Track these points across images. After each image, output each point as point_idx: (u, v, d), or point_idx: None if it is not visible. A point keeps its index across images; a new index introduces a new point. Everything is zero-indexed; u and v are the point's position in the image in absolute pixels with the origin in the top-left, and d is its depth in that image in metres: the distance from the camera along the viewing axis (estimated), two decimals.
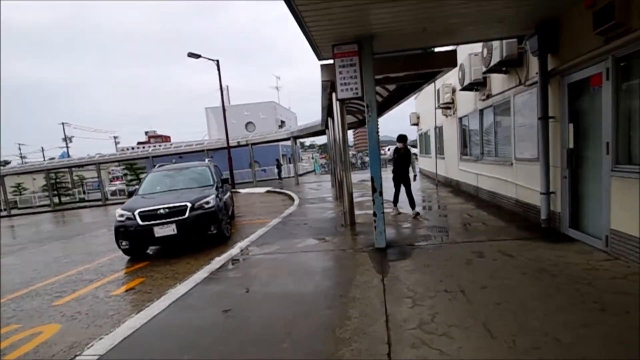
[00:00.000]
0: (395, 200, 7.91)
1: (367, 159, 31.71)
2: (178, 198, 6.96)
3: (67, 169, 29.48)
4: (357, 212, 7.79)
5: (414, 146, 42.43)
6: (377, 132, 5.27)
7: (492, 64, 6.15)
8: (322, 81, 6.78)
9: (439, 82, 10.30)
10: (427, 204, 9.32)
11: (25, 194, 32.34)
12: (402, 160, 7.64)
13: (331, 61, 5.38)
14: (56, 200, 29.11)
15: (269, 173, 33.05)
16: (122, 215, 6.69)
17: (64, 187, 31.89)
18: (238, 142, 24.93)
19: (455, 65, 6.17)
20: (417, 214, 7.42)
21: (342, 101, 7.16)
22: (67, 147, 50.93)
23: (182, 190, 7.66)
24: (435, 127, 13.42)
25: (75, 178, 33.78)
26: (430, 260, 4.64)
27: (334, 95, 7.20)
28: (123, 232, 6.54)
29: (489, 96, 7.61)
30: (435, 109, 12.16)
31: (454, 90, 10.38)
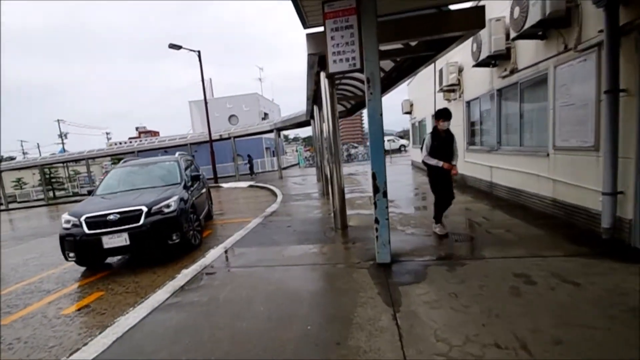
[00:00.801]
0: (441, 212, 5.23)
1: (353, 150, 30.61)
2: (135, 200, 5.76)
3: (61, 164, 30.98)
4: (347, 211, 6.62)
5: (402, 137, 41.39)
6: (381, 114, 3.90)
7: (527, 25, 4.91)
8: (308, 55, 5.34)
9: (441, 61, 9.00)
10: (430, 202, 8.02)
11: (25, 188, 33.74)
12: (445, 147, 5.17)
13: (320, 29, 4.02)
14: (51, 194, 30.44)
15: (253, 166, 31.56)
16: (67, 222, 5.52)
17: (58, 181, 33.26)
18: (220, 136, 23.60)
19: (482, 26, 4.75)
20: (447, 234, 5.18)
21: (331, 79, 5.77)
22: (63, 143, 49.89)
23: (143, 190, 6.42)
24: (434, 114, 12.10)
25: (72, 173, 36.15)
26: (456, 285, 3.47)
27: (322, 75, 5.79)
28: (69, 242, 5.39)
29: (513, 71, 6.41)
30: (435, 92, 10.84)
31: (460, 70, 9.12)
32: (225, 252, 5.26)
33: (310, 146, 55.97)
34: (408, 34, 4.89)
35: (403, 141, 40.34)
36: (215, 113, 33.04)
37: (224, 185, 20.17)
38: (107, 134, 54.97)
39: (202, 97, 22.67)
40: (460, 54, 8.88)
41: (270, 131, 20.80)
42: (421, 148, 5.38)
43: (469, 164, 9.14)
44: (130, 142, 29.57)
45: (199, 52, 21.55)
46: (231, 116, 33.86)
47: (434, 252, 4.42)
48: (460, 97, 9.36)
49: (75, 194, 31.60)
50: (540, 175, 5.88)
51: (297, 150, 39.40)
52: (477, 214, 6.32)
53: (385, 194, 4.00)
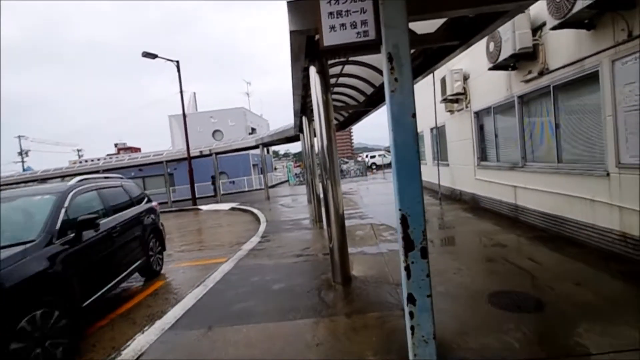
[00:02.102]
0: None
1: (344, 166, 29.05)
2: None
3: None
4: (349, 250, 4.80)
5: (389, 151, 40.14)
6: (413, 114, 2.23)
7: (576, 9, 3.75)
8: (291, 35, 3.65)
9: (442, 70, 7.57)
10: (444, 231, 6.44)
11: None
12: None
13: None
14: None
15: (239, 185, 29.71)
16: None
17: None
18: (201, 152, 21.67)
19: None
20: None
21: (324, 74, 4.15)
22: (23, 161, 45.69)
23: None
24: (434, 127, 10.72)
25: None
26: None
27: (312, 70, 4.21)
28: None
29: (542, 72, 5.14)
30: (436, 104, 9.45)
31: (465, 78, 7.72)
32: (159, 341, 3.38)
33: (301, 162, 54.53)
34: (446, 3, 3.28)
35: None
36: (198, 128, 31.29)
37: (203, 207, 18.24)
38: (79, 150, 50.34)
39: (186, 110, 21.00)
40: (466, 60, 7.56)
41: (256, 146, 19.09)
42: None
43: (481, 182, 7.58)
44: (98, 159, 27.04)
45: (177, 62, 20.02)
46: (215, 131, 32.02)
47: (504, 340, 2.66)
48: (467, 107, 7.89)
49: None
50: (595, 200, 4.41)
51: (286, 167, 37.74)
52: (518, 253, 4.69)
53: (424, 253, 2.30)
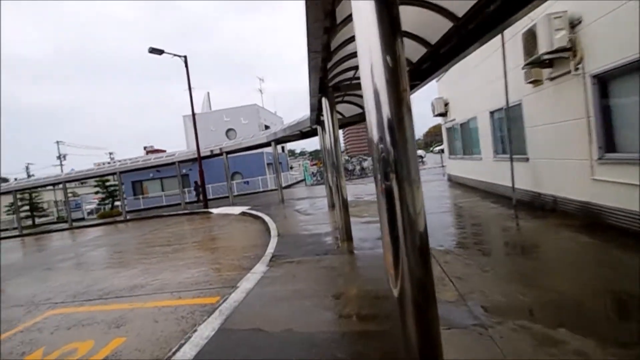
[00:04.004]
0: None
1: (365, 163, 26.60)
2: None
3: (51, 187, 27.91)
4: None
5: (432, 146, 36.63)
6: None
7: None
8: None
9: (523, 22, 5.25)
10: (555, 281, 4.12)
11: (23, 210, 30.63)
12: None
13: None
14: (30, 222, 28.18)
15: (253, 185, 27.93)
16: None
17: (38, 208, 29.97)
18: (211, 151, 20.06)
19: None
20: None
21: None
22: (62, 165, 47.60)
23: None
24: (500, 109, 8.28)
25: (70, 195, 31.35)
26: None
27: None
28: None
29: None
30: (506, 73, 7.09)
31: (572, 24, 5.22)
32: None
33: (318, 160, 52.35)
34: None
35: (420, 152, 36.83)
36: (211, 127, 29.63)
37: (214, 211, 16.43)
38: (110, 154, 51.81)
39: (200, 110, 19.67)
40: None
41: (268, 144, 17.06)
42: None
43: (606, 185, 5.09)
44: (119, 161, 26.47)
45: (185, 57, 18.40)
46: (229, 130, 30.27)
47: None
48: (575, 69, 5.40)
49: (61, 220, 29.29)
50: None
51: (302, 165, 35.71)
52: None
53: None
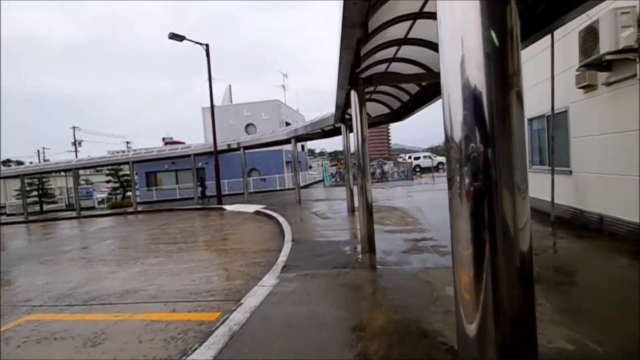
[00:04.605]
0: None
1: (386, 167, 25.62)
2: None
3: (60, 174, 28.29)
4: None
5: (428, 155, 35.51)
6: None
7: None
8: None
9: (581, 19, 4.37)
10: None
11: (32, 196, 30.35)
12: None
13: None
14: (38, 208, 27.40)
15: (271, 183, 27.29)
16: None
17: (47, 194, 29.09)
18: (229, 145, 19.47)
19: None
20: None
21: None
22: (77, 151, 47.67)
23: None
24: (539, 117, 7.55)
25: (82, 182, 32.48)
26: None
27: None
28: None
29: None
30: (554, 77, 6.26)
31: None
32: None
33: (337, 161, 51.47)
34: None
35: (440, 158, 35.41)
36: (231, 121, 29.19)
37: (228, 208, 15.86)
38: (127, 142, 51.95)
39: (220, 103, 19.18)
40: None
41: (288, 141, 16.37)
42: None
43: None
44: (134, 150, 26.09)
45: (206, 45, 17.87)
46: (248, 125, 29.72)
47: None
48: None
49: (70, 207, 28.35)
50: None
51: (322, 165, 34.91)
52: None
53: None
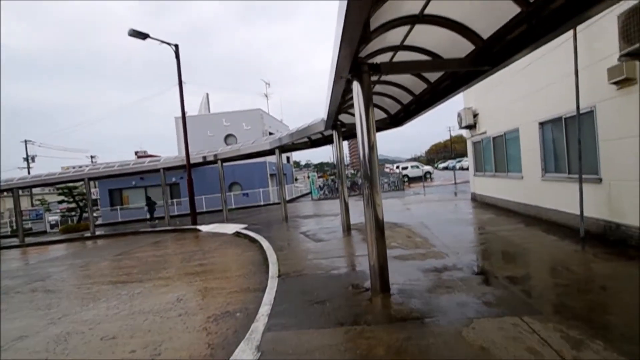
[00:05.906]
0: None
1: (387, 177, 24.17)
2: None
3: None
4: None
5: (426, 163, 34.96)
6: None
7: None
8: None
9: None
10: None
11: None
12: None
13: None
14: None
15: (254, 198, 25.44)
16: None
17: None
18: (204, 157, 17.57)
19: None
20: None
21: None
22: (29, 167, 43.25)
23: None
24: (555, 119, 6.93)
25: (36, 202, 28.09)
26: None
27: None
28: None
29: None
30: (578, 71, 5.16)
31: None
32: None
33: (324, 172, 49.92)
34: None
35: (428, 167, 35.39)
36: (209, 132, 27.32)
37: (204, 228, 14.00)
38: (92, 157, 47.10)
39: (195, 112, 17.28)
40: None
41: (271, 151, 14.75)
42: None
43: None
44: (81, 167, 22.89)
45: (175, 46, 16.18)
46: (228, 136, 27.78)
47: None
48: None
49: (14, 233, 23.16)
50: None
51: (309, 177, 33.32)
52: None
53: None
